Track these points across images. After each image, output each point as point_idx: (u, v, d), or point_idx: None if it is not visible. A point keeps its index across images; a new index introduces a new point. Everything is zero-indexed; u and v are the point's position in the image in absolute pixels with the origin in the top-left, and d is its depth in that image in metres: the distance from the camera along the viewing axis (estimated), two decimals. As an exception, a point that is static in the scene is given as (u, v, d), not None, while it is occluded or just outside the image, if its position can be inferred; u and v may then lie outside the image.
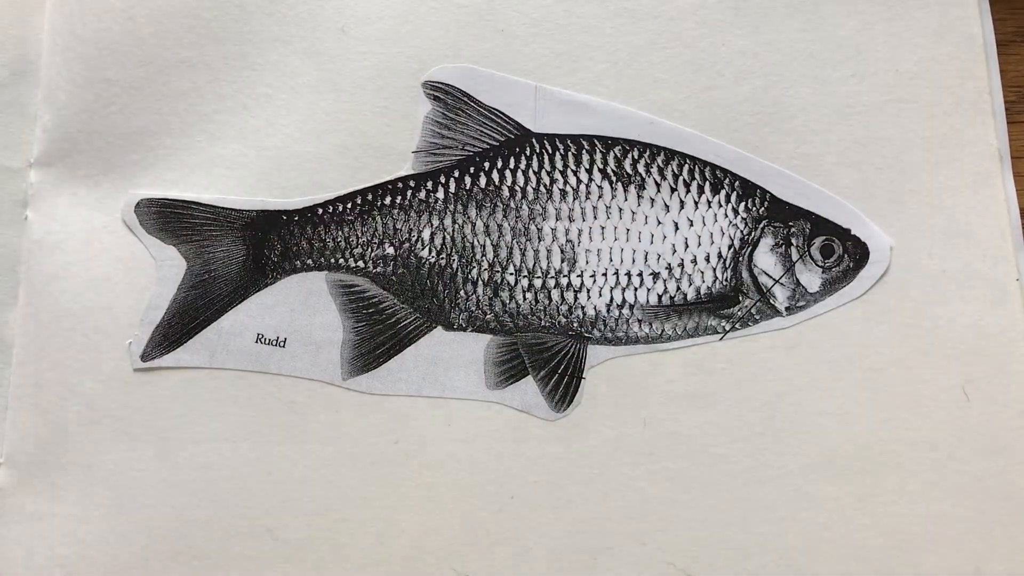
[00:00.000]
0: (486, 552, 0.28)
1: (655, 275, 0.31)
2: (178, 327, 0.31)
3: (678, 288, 0.31)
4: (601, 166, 0.32)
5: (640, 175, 0.32)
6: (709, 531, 0.28)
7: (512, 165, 0.32)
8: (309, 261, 0.32)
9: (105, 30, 0.34)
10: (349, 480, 0.30)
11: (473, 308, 0.31)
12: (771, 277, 0.31)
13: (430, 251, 0.31)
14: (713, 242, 0.31)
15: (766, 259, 0.31)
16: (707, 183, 0.32)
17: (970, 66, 0.32)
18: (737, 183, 0.31)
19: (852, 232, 0.31)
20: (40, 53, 0.34)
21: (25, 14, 0.34)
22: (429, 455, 0.30)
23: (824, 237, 0.31)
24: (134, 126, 0.33)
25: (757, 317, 0.31)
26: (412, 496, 0.29)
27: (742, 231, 0.31)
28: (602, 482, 0.29)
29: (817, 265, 0.31)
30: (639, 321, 0.31)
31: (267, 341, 0.31)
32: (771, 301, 0.31)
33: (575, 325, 0.31)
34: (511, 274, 0.31)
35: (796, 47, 0.32)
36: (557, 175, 0.32)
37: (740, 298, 0.31)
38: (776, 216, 0.31)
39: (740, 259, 0.31)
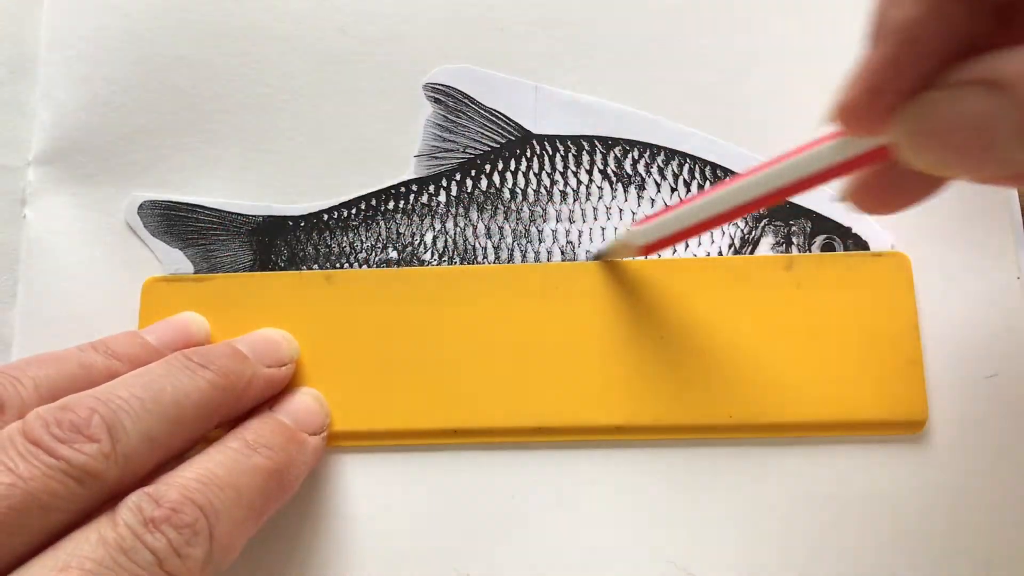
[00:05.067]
0: (486, 552, 0.29)
1: (656, 275, 0.31)
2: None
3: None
4: (601, 167, 0.32)
5: (640, 175, 0.32)
6: (710, 530, 0.29)
7: (513, 167, 0.32)
8: (315, 266, 0.32)
9: (103, 27, 0.33)
10: (351, 479, 0.30)
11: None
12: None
13: (432, 254, 0.32)
14: (713, 241, 0.31)
15: (766, 258, 0.31)
16: (707, 182, 0.32)
17: (972, 62, 0.32)
18: (738, 182, 0.31)
19: (853, 230, 0.31)
20: (38, 51, 0.34)
21: (22, 11, 0.34)
22: (428, 453, 0.30)
23: (825, 236, 0.31)
24: (133, 125, 0.33)
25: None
26: (413, 495, 0.29)
27: (743, 230, 0.31)
28: (603, 480, 0.29)
29: (817, 263, 0.31)
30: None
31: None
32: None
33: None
34: (513, 275, 0.31)
35: (798, 44, 0.32)
36: (557, 176, 0.32)
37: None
38: (776, 214, 0.31)
39: (740, 258, 0.31)
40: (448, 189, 0.32)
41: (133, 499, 0.22)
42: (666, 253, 0.31)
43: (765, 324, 0.30)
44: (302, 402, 0.28)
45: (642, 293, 0.30)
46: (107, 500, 0.22)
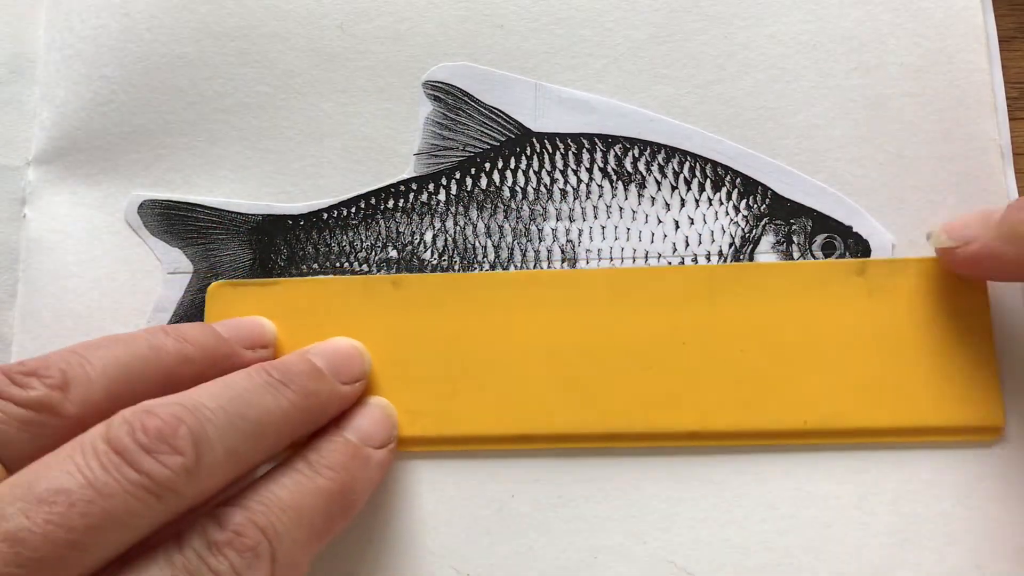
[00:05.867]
0: (486, 551, 0.29)
1: (656, 273, 0.31)
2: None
3: (679, 286, 0.31)
4: (601, 165, 0.32)
5: (640, 173, 0.32)
6: (710, 530, 0.29)
7: (512, 165, 0.32)
8: (315, 265, 0.32)
9: (102, 27, 0.33)
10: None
11: (476, 308, 0.31)
12: (772, 274, 0.31)
13: (432, 253, 0.32)
14: (714, 240, 0.31)
15: (768, 257, 0.31)
16: (708, 181, 0.31)
17: (975, 60, 0.32)
18: (738, 180, 0.31)
19: (854, 229, 0.31)
20: (37, 50, 0.34)
21: (22, 11, 0.34)
22: (429, 453, 0.30)
23: (826, 234, 0.31)
24: (133, 124, 0.33)
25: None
26: (412, 495, 0.29)
27: (743, 229, 0.31)
28: (603, 480, 0.29)
29: (818, 262, 0.31)
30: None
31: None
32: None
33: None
34: (513, 274, 0.31)
35: (799, 39, 0.32)
36: (557, 175, 0.32)
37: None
38: (777, 213, 0.31)
39: (741, 257, 0.31)
40: (448, 188, 0.32)
41: (199, 522, 0.22)
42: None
43: (838, 330, 0.29)
44: (369, 415, 0.28)
45: (714, 299, 0.30)
46: (181, 514, 0.22)
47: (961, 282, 0.30)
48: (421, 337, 0.30)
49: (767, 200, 0.31)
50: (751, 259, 0.31)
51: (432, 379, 0.30)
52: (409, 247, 0.32)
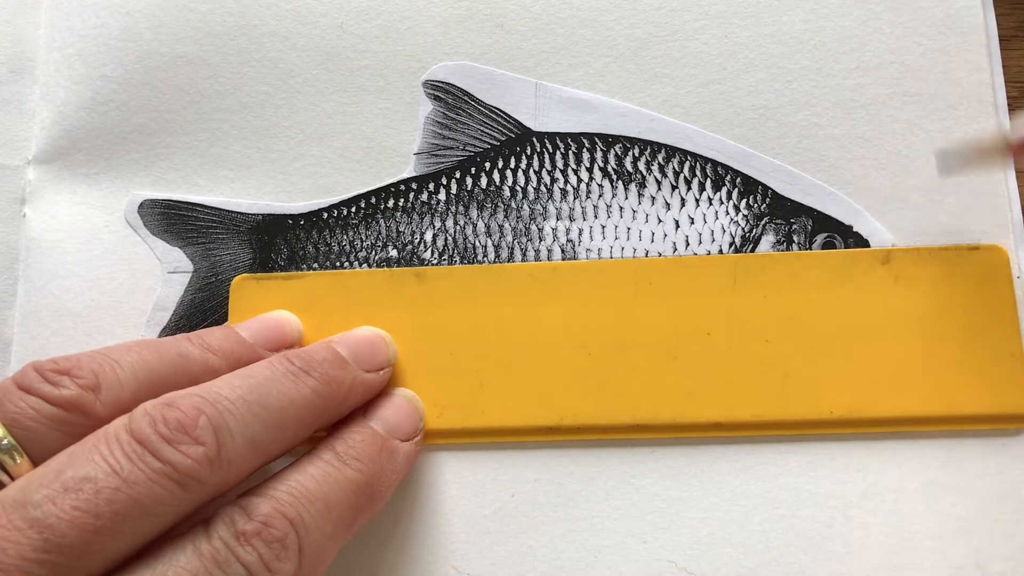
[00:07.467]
0: (486, 550, 0.29)
1: (656, 273, 0.31)
2: (185, 329, 0.31)
3: (679, 286, 0.31)
4: (602, 165, 0.32)
5: (641, 173, 0.32)
6: (710, 529, 0.29)
7: (513, 165, 0.32)
8: (315, 265, 0.32)
9: (102, 26, 0.33)
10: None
11: (476, 307, 0.31)
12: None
13: (432, 253, 0.32)
14: (714, 240, 0.31)
15: (767, 256, 0.31)
16: (708, 180, 0.31)
17: (975, 59, 0.32)
18: (738, 180, 0.31)
19: (854, 229, 0.31)
20: (37, 50, 0.34)
21: (22, 10, 0.34)
22: (429, 453, 0.30)
23: (826, 234, 0.31)
24: (133, 123, 0.33)
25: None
26: (412, 494, 0.29)
27: (743, 228, 0.31)
28: (603, 479, 0.29)
29: (818, 261, 0.31)
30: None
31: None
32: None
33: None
34: (513, 273, 0.31)
35: (800, 38, 0.32)
36: (558, 174, 0.32)
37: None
38: (778, 213, 0.31)
39: (741, 256, 0.31)
40: (448, 187, 0.32)
41: (226, 511, 0.22)
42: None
43: (863, 319, 0.29)
44: (396, 406, 0.28)
45: (738, 289, 0.30)
46: (204, 503, 0.22)
47: (986, 270, 0.30)
48: (446, 330, 0.30)
49: (767, 199, 0.31)
50: (751, 259, 0.31)
51: (458, 371, 0.30)
52: (409, 247, 0.32)
